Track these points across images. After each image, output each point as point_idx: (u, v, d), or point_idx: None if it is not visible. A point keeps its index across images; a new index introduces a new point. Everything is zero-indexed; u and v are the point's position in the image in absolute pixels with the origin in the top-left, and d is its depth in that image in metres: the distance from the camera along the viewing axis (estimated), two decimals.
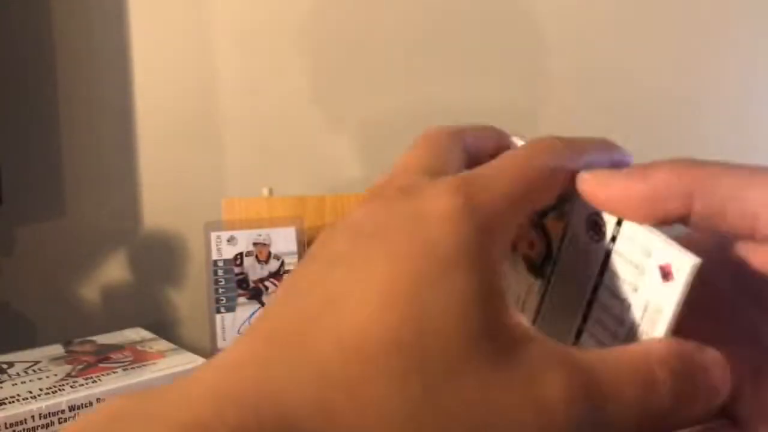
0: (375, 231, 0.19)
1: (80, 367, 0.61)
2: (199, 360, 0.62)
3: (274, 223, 0.78)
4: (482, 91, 0.93)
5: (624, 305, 0.21)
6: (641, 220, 0.20)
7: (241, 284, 0.73)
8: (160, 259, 0.95)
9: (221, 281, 0.73)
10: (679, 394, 0.19)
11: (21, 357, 0.63)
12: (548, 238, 0.24)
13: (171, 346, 0.67)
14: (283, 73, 0.93)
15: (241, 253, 0.74)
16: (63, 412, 0.53)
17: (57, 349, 0.66)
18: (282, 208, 0.83)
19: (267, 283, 0.74)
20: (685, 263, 0.18)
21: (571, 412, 0.17)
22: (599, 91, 0.94)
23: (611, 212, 0.21)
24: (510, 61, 0.93)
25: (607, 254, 0.21)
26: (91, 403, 0.54)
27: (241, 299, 0.73)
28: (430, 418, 0.16)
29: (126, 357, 0.64)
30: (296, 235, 0.76)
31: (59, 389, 0.55)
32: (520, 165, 0.21)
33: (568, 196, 0.22)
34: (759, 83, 0.94)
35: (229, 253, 0.74)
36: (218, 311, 0.72)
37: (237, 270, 0.74)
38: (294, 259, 0.76)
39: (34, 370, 0.60)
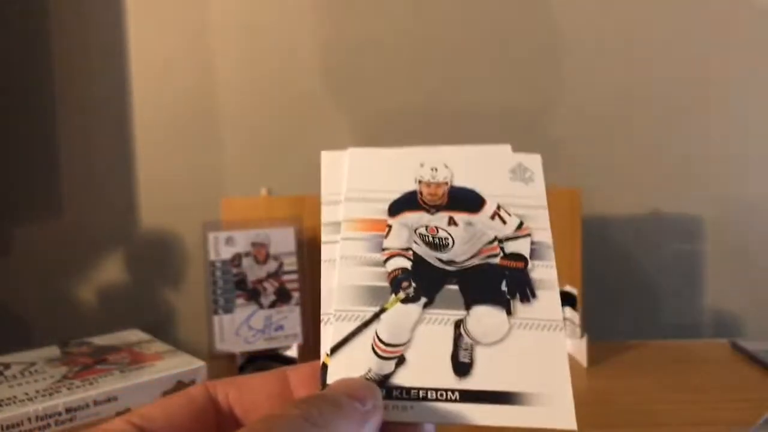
0: None
1: (77, 368, 0.60)
2: (197, 362, 0.62)
3: (272, 223, 0.77)
4: (483, 91, 0.93)
5: None
6: None
7: (239, 285, 0.73)
8: (157, 259, 0.94)
9: (219, 282, 0.73)
10: None
11: (17, 358, 0.63)
12: None
13: (168, 347, 0.67)
14: (283, 73, 0.93)
15: (239, 254, 0.73)
16: (60, 414, 0.52)
17: (53, 351, 0.66)
18: (281, 207, 0.82)
19: (265, 284, 0.74)
20: None
21: None
22: (604, 92, 0.93)
23: None
24: (512, 61, 0.93)
25: None
26: (87, 405, 0.54)
27: (239, 300, 0.73)
28: None
29: (123, 358, 0.63)
30: (295, 235, 0.76)
31: (56, 391, 0.54)
32: None
33: None
34: (762, 85, 0.94)
35: (227, 253, 0.73)
36: (216, 312, 0.72)
37: (235, 271, 0.73)
38: (293, 259, 0.75)
39: (30, 372, 0.59)
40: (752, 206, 0.95)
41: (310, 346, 0.75)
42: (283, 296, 0.74)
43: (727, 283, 0.95)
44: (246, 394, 0.25)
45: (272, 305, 0.74)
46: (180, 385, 0.60)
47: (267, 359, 0.75)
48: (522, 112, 0.93)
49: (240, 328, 0.72)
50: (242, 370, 0.73)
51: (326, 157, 0.30)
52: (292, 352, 0.74)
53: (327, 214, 0.28)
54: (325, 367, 0.25)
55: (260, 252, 0.74)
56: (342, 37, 0.93)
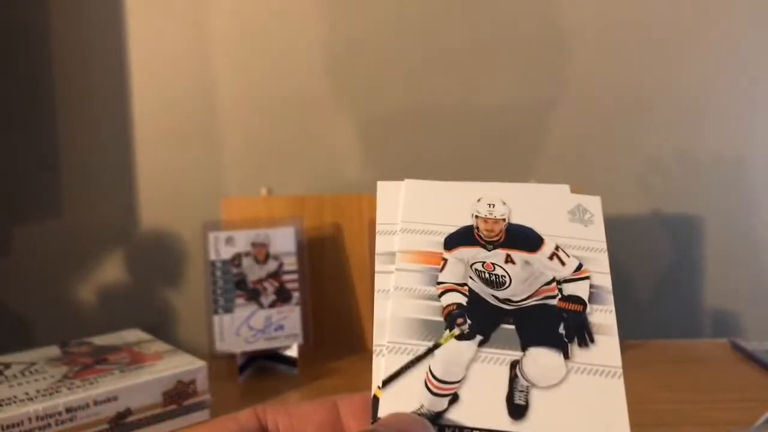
0: None
1: (77, 368, 0.60)
2: (197, 361, 0.62)
3: (272, 223, 0.77)
4: (484, 91, 0.93)
5: None
6: None
7: (239, 285, 0.73)
8: (157, 259, 0.94)
9: (219, 282, 0.73)
10: None
11: (17, 358, 0.63)
12: None
13: (168, 347, 0.67)
14: (283, 73, 0.93)
15: (239, 254, 0.73)
16: (60, 413, 0.52)
17: (54, 351, 0.66)
18: (281, 207, 0.82)
19: (265, 284, 0.74)
20: None
21: None
22: (605, 92, 0.93)
23: None
24: (512, 60, 0.93)
25: None
26: (87, 405, 0.54)
27: (239, 300, 0.72)
28: None
29: (123, 358, 0.63)
30: (295, 235, 0.76)
31: (56, 391, 0.55)
32: None
33: None
34: (763, 85, 0.94)
35: (227, 253, 0.73)
36: (216, 312, 0.72)
37: (235, 271, 0.73)
38: (293, 259, 0.75)
39: (30, 372, 0.59)
40: (752, 206, 0.95)
41: (310, 346, 0.75)
42: (283, 296, 0.74)
43: (727, 283, 0.95)
44: (297, 422, 0.25)
45: (272, 305, 0.74)
46: (180, 385, 0.60)
47: (267, 359, 0.75)
48: (522, 112, 0.93)
49: (240, 328, 0.72)
50: (242, 370, 0.73)
51: (382, 187, 0.30)
52: (292, 352, 0.74)
53: (381, 244, 0.28)
54: (376, 399, 0.25)
55: (260, 252, 0.74)
56: (342, 37, 0.93)
